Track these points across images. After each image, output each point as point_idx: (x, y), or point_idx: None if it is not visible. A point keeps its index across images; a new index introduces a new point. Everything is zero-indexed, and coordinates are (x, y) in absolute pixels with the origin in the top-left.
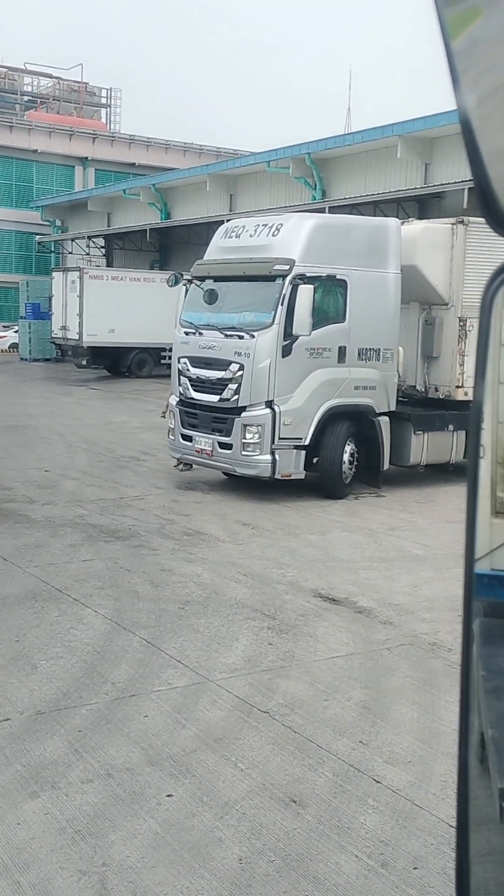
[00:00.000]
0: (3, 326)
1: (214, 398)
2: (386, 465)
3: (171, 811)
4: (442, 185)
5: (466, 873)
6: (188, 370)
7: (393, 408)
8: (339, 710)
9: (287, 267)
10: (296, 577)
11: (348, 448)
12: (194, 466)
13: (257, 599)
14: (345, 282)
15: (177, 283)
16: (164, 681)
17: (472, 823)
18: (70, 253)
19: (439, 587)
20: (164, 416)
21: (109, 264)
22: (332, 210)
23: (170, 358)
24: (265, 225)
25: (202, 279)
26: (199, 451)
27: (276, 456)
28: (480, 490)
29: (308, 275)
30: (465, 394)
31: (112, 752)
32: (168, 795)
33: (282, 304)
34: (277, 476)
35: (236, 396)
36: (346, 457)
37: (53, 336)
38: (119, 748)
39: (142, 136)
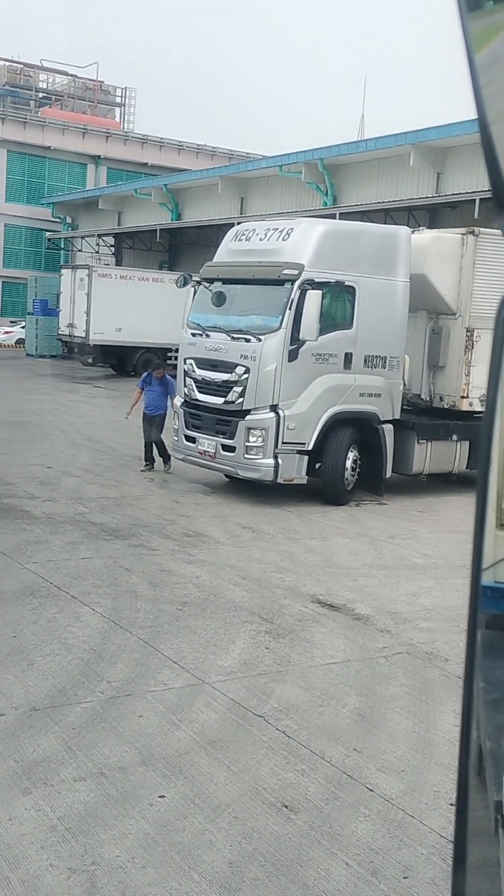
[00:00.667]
0: (11, 322)
1: (219, 400)
2: (388, 473)
3: (163, 812)
4: (454, 194)
5: (463, 884)
6: (194, 371)
7: (397, 416)
8: (333, 717)
9: (296, 271)
10: (295, 582)
11: (351, 455)
12: (153, 467)
13: (255, 603)
14: (353, 288)
15: (185, 284)
16: (160, 681)
17: (469, 835)
18: (80, 251)
19: (438, 597)
20: (128, 418)
21: (119, 263)
22: (343, 216)
23: (176, 359)
24: (275, 229)
25: (211, 281)
26: (202, 453)
27: (279, 460)
28: (489, 501)
29: (317, 280)
30: (470, 404)
31: (105, 751)
32: (160, 796)
33: (290, 309)
34: (279, 480)
35: (241, 399)
36: (348, 463)
37: (60, 333)
38: (113, 747)
39: (155, 137)
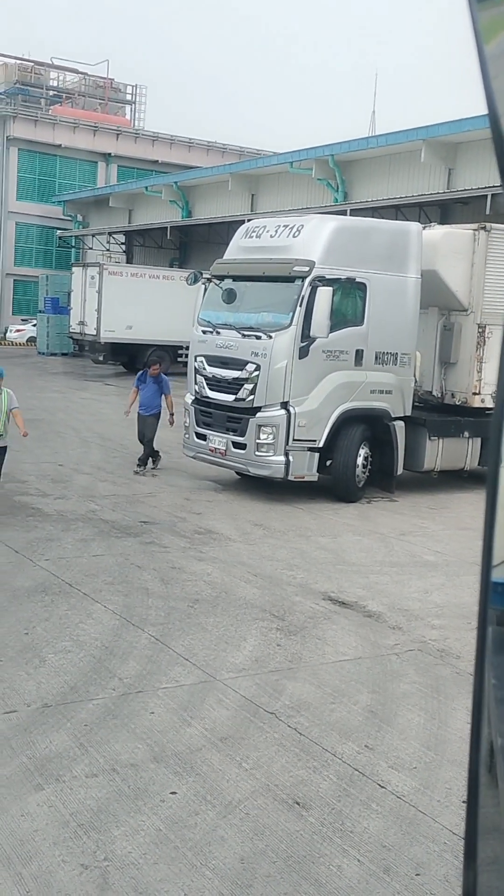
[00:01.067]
0: (22, 320)
1: (230, 398)
2: (400, 470)
3: (175, 808)
4: (465, 190)
5: (474, 882)
6: (204, 369)
7: (408, 413)
8: (345, 714)
9: (307, 268)
10: (306, 579)
11: (362, 451)
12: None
13: (267, 600)
14: (364, 285)
15: (196, 281)
16: (172, 678)
17: (480, 832)
18: (90, 249)
19: (450, 594)
20: (127, 415)
21: (129, 261)
22: (354, 213)
23: (186, 356)
24: (286, 226)
25: (221, 278)
26: (212, 450)
27: (290, 457)
28: (500, 497)
29: (327, 277)
30: (482, 401)
31: (117, 748)
32: (172, 793)
33: (300, 306)
34: (290, 477)
35: (252, 396)
36: (359, 460)
37: (71, 331)
38: (124, 744)
39: (165, 134)
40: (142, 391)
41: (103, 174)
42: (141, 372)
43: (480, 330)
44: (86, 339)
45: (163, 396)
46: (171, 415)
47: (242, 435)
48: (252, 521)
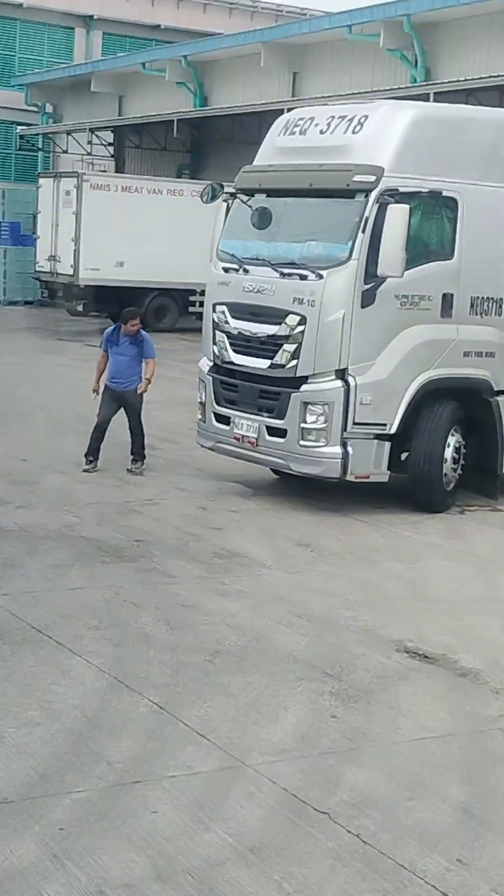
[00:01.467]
0: None
1: (263, 364)
2: None
3: None
4: None
5: None
6: (227, 323)
7: None
8: (428, 814)
9: (373, 178)
10: (372, 623)
11: (452, 440)
12: (97, 465)
13: (316, 652)
14: (455, 201)
15: (214, 197)
16: (182, 762)
17: None
18: (65, 152)
19: None
20: (96, 393)
21: (120, 169)
22: (440, 98)
23: (201, 305)
24: (343, 117)
25: (250, 193)
26: (239, 439)
27: (349, 448)
28: None
29: (402, 190)
30: None
31: (106, 861)
32: None
33: (363, 232)
34: (350, 477)
35: (294, 362)
36: (448, 453)
37: (38, 269)
38: (116, 855)
39: None
40: (114, 357)
41: (83, 46)
42: (111, 329)
43: None
44: (59, 282)
45: (144, 363)
46: (148, 381)
47: (281, 417)
48: (294, 539)
